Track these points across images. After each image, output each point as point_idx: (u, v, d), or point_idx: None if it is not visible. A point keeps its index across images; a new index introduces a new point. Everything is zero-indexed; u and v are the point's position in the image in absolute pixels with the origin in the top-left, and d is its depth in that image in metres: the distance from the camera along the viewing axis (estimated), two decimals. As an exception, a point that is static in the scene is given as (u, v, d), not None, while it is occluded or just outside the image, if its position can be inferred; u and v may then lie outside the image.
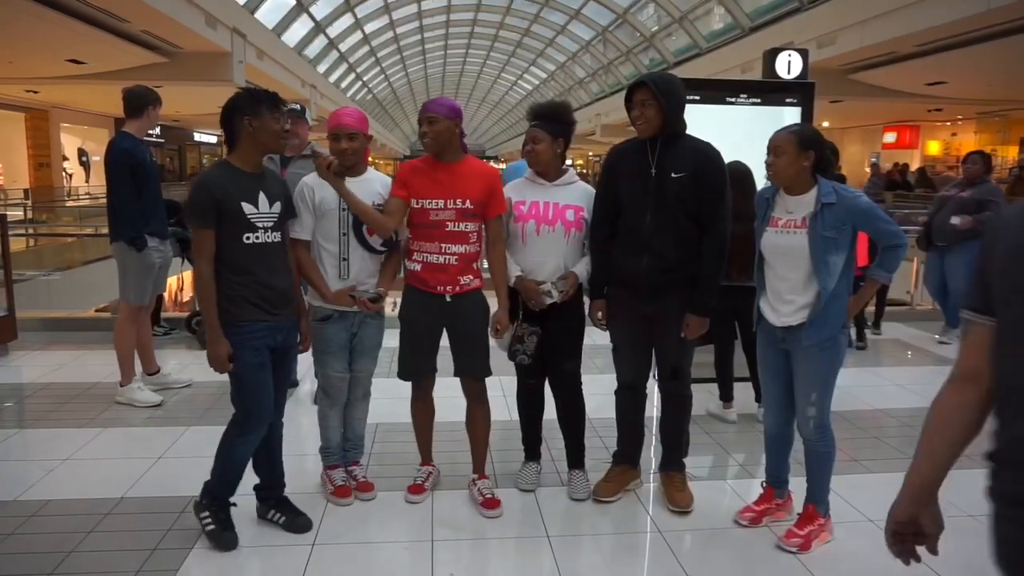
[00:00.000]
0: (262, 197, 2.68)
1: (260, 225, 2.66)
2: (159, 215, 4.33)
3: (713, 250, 2.90)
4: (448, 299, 2.98)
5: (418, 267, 2.98)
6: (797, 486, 2.98)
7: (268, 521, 2.91)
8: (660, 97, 2.78)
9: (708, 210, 2.87)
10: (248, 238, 2.64)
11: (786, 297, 2.74)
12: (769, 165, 2.71)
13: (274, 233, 2.72)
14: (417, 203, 2.94)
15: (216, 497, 2.79)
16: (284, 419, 2.95)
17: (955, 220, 5.76)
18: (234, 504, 2.81)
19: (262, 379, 2.71)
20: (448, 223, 2.92)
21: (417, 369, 3.12)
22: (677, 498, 3.14)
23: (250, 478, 2.89)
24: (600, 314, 3.11)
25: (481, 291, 3.08)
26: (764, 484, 3.06)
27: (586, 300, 3.17)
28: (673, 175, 2.83)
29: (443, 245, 2.94)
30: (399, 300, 3.12)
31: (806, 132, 2.70)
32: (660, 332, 3.03)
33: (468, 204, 2.92)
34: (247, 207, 2.63)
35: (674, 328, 2.98)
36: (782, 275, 2.75)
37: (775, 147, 2.68)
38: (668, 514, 3.09)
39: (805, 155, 2.64)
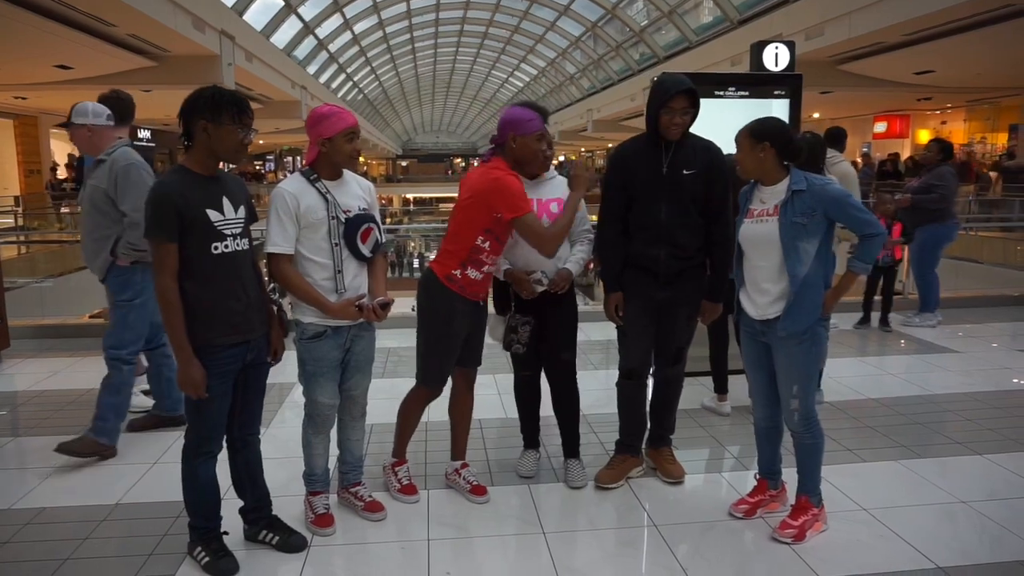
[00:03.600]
0: (226, 202, 2.49)
1: (228, 232, 2.47)
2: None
3: (723, 239, 3.07)
4: (481, 304, 3.08)
5: (480, 276, 2.98)
6: (791, 477, 3.00)
7: (260, 543, 2.78)
8: (696, 105, 2.96)
9: (717, 203, 3.06)
10: (217, 248, 2.44)
11: (762, 286, 2.78)
12: (733, 159, 2.83)
13: (242, 240, 2.53)
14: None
15: (200, 529, 2.65)
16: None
17: (895, 198, 6.34)
18: (226, 532, 2.70)
19: (223, 406, 2.57)
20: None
21: (447, 376, 3.12)
22: (671, 470, 3.28)
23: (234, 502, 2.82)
24: (616, 306, 3.16)
25: None
26: (757, 476, 3.08)
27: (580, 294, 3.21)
28: (685, 172, 2.99)
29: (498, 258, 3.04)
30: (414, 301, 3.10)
31: (760, 125, 2.76)
32: (671, 316, 3.15)
33: None
34: (213, 214, 2.43)
35: (685, 311, 3.16)
36: (756, 263, 2.81)
37: (736, 142, 2.79)
38: (663, 508, 3.11)
39: (760, 147, 2.71)
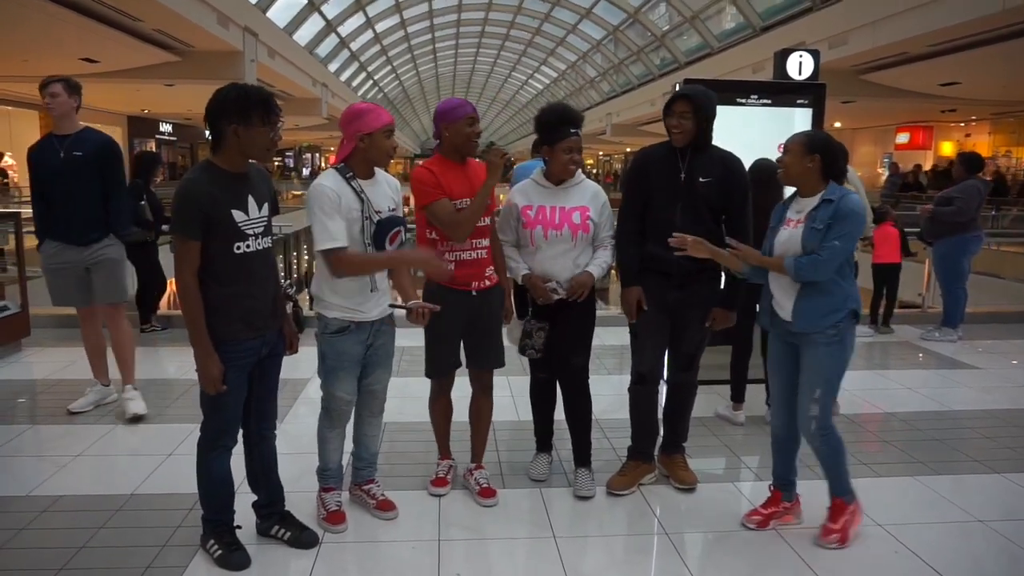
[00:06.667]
0: (251, 201, 2.48)
1: (251, 232, 2.48)
2: (62, 217, 4.02)
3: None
4: (474, 294, 3.04)
5: (451, 266, 2.98)
6: (805, 489, 2.97)
7: (272, 538, 2.79)
8: (698, 111, 2.99)
9: (736, 213, 3.11)
10: (239, 248, 2.45)
11: (792, 289, 2.80)
12: (779, 162, 2.89)
13: (264, 239, 2.54)
14: (451, 203, 2.94)
15: (213, 522, 2.67)
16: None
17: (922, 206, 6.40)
18: (239, 527, 2.71)
19: (239, 400, 2.58)
20: None
21: (450, 365, 3.16)
22: (683, 476, 3.29)
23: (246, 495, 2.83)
24: (636, 300, 3.15)
25: (500, 285, 3.15)
26: (772, 487, 3.05)
27: (598, 298, 3.21)
28: (701, 179, 3.04)
29: (473, 241, 3.00)
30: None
31: (816, 136, 2.84)
32: (683, 320, 3.16)
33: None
34: (238, 215, 2.43)
35: (698, 316, 3.16)
36: None
37: (787, 145, 2.84)
38: (675, 515, 3.09)
39: (810, 157, 2.75)
